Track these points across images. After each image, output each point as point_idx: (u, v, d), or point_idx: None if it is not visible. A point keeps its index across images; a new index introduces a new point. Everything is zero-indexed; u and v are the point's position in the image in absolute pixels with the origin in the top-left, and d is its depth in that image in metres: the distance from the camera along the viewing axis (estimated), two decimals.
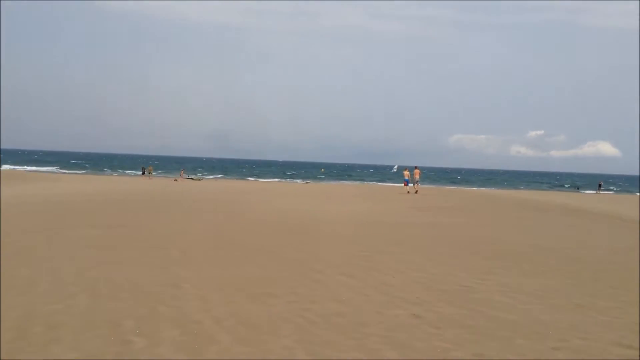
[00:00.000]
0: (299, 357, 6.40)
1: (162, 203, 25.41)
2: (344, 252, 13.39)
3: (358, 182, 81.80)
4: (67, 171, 77.84)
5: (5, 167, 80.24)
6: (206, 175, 74.78)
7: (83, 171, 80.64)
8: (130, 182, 47.86)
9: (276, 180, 79.14)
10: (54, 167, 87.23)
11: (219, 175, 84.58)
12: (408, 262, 12.30)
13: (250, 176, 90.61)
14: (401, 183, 48.61)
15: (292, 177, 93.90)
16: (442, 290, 9.86)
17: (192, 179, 62.58)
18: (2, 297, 8.42)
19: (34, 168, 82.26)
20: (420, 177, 44.01)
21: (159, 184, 47.20)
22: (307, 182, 69.77)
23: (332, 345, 6.84)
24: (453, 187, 72.42)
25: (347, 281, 10.34)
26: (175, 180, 56.95)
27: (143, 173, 62.23)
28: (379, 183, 77.65)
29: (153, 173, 65.84)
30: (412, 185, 43.15)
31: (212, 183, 55.10)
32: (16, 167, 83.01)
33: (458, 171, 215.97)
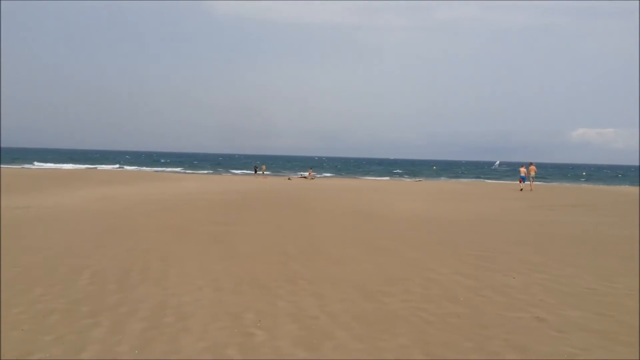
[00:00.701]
0: (416, 357, 6.35)
1: (279, 201, 26.21)
2: (460, 251, 13.08)
3: (469, 180, 79.33)
4: (191, 171, 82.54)
5: (137, 168, 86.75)
6: (316, 174, 76.05)
7: (205, 171, 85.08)
8: (247, 181, 49.81)
9: (387, 178, 78.78)
10: (180, 168, 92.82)
11: (329, 174, 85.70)
12: (529, 263, 11.77)
13: (362, 174, 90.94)
14: (514, 180, 46.49)
15: (401, 175, 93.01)
16: (567, 292, 9.34)
17: (304, 177, 63.98)
18: (139, 288, 9.13)
19: (162, 169, 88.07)
20: (535, 174, 41.89)
21: (273, 182, 48.73)
22: (418, 180, 68.80)
23: (450, 346, 6.72)
24: (577, 185, 68.12)
25: (464, 281, 10.09)
26: (289, 179, 58.48)
27: (255, 172, 64.43)
28: (487, 180, 74.75)
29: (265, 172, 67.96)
30: (528, 182, 41.22)
31: (325, 182, 55.95)
32: (144, 168, 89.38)
33: (582, 167, 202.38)
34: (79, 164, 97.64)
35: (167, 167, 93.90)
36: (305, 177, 63.46)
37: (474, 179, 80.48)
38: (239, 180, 52.11)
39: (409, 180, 71.38)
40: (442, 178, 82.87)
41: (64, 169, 70.16)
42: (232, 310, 8.06)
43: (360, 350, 6.53)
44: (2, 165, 69.78)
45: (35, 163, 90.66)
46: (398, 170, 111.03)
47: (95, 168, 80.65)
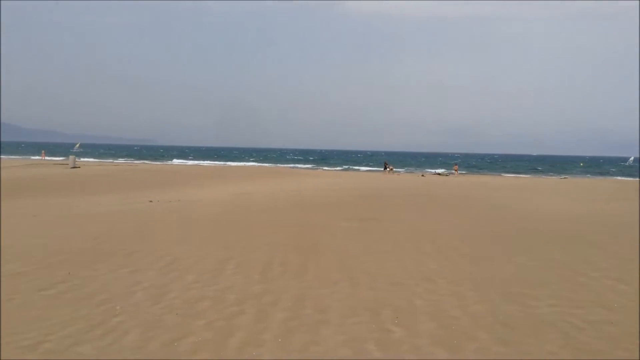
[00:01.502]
0: None
1: (412, 197, 25.93)
2: (614, 254, 12.06)
3: (616, 178, 72.80)
4: (325, 168, 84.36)
5: (273, 165, 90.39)
6: (454, 172, 73.95)
7: (340, 168, 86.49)
8: (376, 177, 49.83)
9: (528, 175, 74.79)
10: (311, 165, 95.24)
11: (464, 172, 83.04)
12: None
13: (501, 171, 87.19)
14: None
15: (543, 172, 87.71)
16: None
17: (438, 174, 62.76)
18: (280, 280, 9.49)
19: (294, 165, 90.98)
20: None
21: (405, 179, 48.27)
22: (564, 178, 64.55)
23: (604, 355, 6.23)
24: None
25: (617, 286, 9.29)
26: (422, 175, 57.65)
27: (385, 168, 64.07)
28: (627, 178, 67.91)
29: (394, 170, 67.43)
30: None
31: (463, 179, 54.41)
32: (280, 165, 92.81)
33: None
34: (217, 160, 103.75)
35: (298, 164, 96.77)
36: (439, 174, 62.22)
37: (625, 177, 73.92)
38: (367, 176, 52.27)
39: (554, 177, 67.22)
40: (588, 175, 77.09)
41: (203, 166, 74.76)
42: (368, 305, 8.10)
43: (505, 354, 6.25)
44: (154, 162, 76.08)
45: (175, 160, 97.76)
46: (539, 168, 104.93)
47: (223, 164, 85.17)
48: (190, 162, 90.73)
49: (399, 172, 68.30)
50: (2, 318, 7.22)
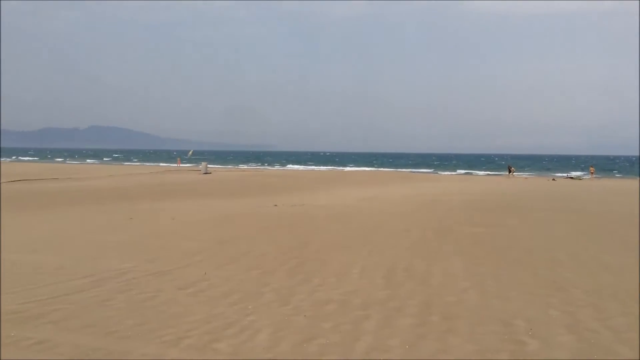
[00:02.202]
0: None
1: (539, 203, 24.59)
2: None
3: None
4: (446, 172, 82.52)
5: (393, 170, 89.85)
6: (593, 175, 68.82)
7: (461, 171, 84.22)
8: (499, 181, 47.85)
9: None
10: (431, 169, 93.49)
11: (599, 175, 77.14)
12: None
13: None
14: None
15: None
16: None
17: (571, 178, 58.97)
18: (405, 285, 9.42)
19: (412, 170, 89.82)
20: None
21: (533, 183, 45.88)
22: None
23: None
24: None
25: None
26: (552, 179, 54.49)
27: (509, 172, 61.14)
28: None
29: (515, 173, 64.04)
30: None
31: (596, 182, 50.75)
32: (400, 169, 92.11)
33: None
34: (335, 165, 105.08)
35: (415, 168, 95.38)
36: (572, 178, 58.46)
37: None
38: (488, 180, 50.35)
39: None
40: None
41: (322, 170, 75.96)
42: (499, 315, 7.79)
43: None
44: (273, 167, 78.71)
45: (289, 166, 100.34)
46: None
47: (336, 169, 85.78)
48: (309, 168, 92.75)
49: (524, 175, 65.11)
50: (149, 313, 7.82)
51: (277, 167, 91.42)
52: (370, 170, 79.09)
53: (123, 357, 6.24)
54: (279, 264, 11.03)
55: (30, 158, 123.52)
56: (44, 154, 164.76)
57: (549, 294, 8.86)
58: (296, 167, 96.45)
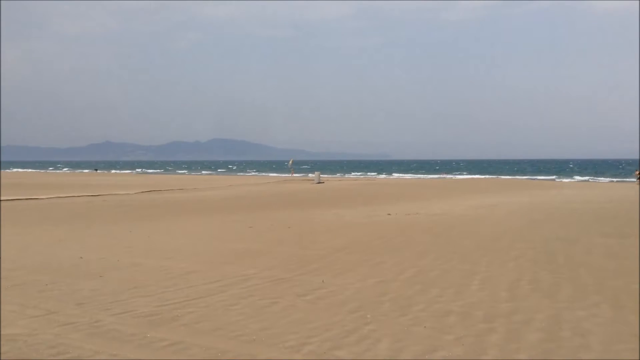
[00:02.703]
0: None
1: None
2: None
3: None
4: (567, 179, 77.87)
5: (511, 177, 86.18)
6: None
7: (581, 178, 79.08)
8: (632, 188, 44.26)
9: None
10: (554, 176, 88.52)
11: None
12: None
13: None
14: None
15: None
16: None
17: None
18: (530, 298, 9.00)
19: (530, 177, 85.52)
20: None
21: None
22: None
23: None
24: None
25: None
26: None
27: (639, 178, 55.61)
28: None
29: None
30: None
31: None
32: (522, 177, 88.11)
33: None
34: (436, 173, 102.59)
35: (533, 175, 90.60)
36: None
37: None
38: (614, 187, 46.68)
39: None
40: None
41: (434, 179, 74.42)
42: (637, 332, 7.21)
43: None
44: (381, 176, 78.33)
45: (395, 174, 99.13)
46: None
47: (444, 177, 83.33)
48: (421, 176, 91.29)
49: None
50: (271, 318, 8.08)
51: (391, 176, 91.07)
52: (486, 178, 76.49)
53: None
54: (396, 273, 10.97)
55: (155, 170, 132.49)
56: (167, 166, 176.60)
57: None
58: (409, 175, 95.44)
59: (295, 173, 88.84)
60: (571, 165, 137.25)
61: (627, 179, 67.12)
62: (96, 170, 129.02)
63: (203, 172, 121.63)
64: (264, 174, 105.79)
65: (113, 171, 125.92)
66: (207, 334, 7.42)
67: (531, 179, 75.75)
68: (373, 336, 7.27)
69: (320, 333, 7.40)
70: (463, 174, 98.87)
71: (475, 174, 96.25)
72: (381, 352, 6.70)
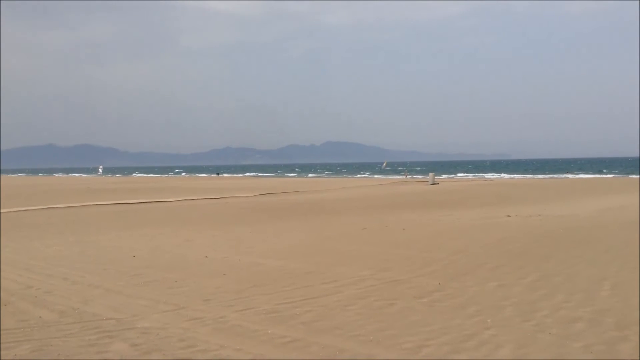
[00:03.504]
0: None
1: None
2: None
3: None
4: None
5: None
6: None
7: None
8: None
9: None
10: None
11: None
12: None
13: None
14: None
15: None
16: None
17: None
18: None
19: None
20: None
21: None
22: None
23: None
24: None
25: None
26: None
27: None
28: None
29: None
30: None
31: None
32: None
33: None
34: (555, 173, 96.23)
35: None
36: None
37: None
38: None
39: None
40: None
41: (554, 178, 70.24)
42: None
43: None
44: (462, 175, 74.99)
45: (502, 174, 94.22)
46: None
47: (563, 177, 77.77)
48: (540, 176, 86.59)
49: None
50: (388, 320, 8.08)
51: (507, 176, 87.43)
52: (609, 177, 71.21)
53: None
54: (518, 277, 10.54)
55: (268, 174, 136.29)
56: (279, 169, 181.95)
57: None
58: (522, 175, 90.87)
59: (408, 175, 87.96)
60: None
61: None
62: (218, 174, 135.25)
63: (314, 174, 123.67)
64: (376, 176, 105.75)
65: (224, 174, 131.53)
66: (325, 332, 7.58)
67: None
68: (494, 341, 7.05)
69: (438, 336, 7.30)
70: (582, 173, 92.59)
71: (595, 174, 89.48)
72: (503, 358, 6.48)
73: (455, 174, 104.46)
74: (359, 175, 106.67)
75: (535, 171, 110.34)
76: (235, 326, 7.96)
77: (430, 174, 54.12)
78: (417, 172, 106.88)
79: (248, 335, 7.53)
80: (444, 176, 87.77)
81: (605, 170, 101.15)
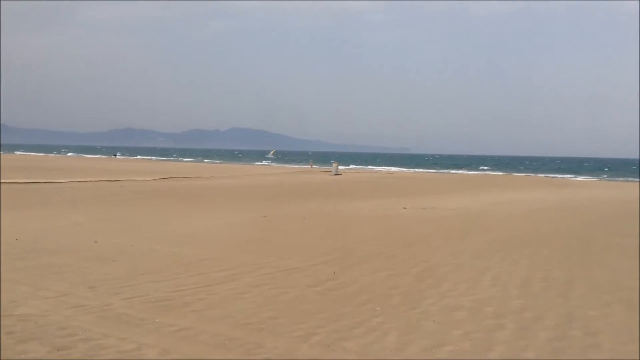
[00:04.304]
0: None
1: None
2: None
3: None
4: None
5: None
6: None
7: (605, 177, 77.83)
8: None
9: None
10: (572, 175, 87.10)
11: None
12: None
13: None
14: None
15: None
16: None
17: None
18: (542, 296, 8.93)
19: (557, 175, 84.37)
20: None
21: None
22: None
23: None
24: None
25: None
26: None
27: None
28: None
29: None
30: None
31: None
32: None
33: None
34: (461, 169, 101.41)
35: (560, 174, 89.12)
36: None
37: None
38: (633, 186, 45.89)
39: None
40: None
41: (453, 173, 73.79)
42: None
43: None
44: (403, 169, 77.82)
45: (412, 169, 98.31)
46: None
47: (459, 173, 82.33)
48: (441, 170, 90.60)
49: None
50: (280, 308, 8.11)
51: (411, 170, 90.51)
52: (508, 175, 75.72)
53: (256, 349, 6.53)
54: (408, 267, 10.94)
55: (170, 158, 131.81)
56: (186, 154, 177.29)
57: None
58: (428, 170, 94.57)
59: (269, 162, 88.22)
60: (585, 164, 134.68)
61: None
62: (115, 155, 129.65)
63: (217, 160, 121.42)
64: (280, 164, 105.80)
65: (117, 155, 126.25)
66: (216, 321, 7.48)
67: (557, 177, 74.61)
68: (381, 328, 7.27)
69: (328, 324, 7.42)
70: (485, 169, 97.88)
71: (497, 171, 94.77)
72: (388, 345, 6.70)
73: (362, 165, 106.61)
74: (257, 163, 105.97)
75: (434, 166, 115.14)
76: (122, 314, 7.67)
77: (334, 164, 54.72)
78: (321, 163, 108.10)
79: (134, 324, 7.29)
80: (352, 166, 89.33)
81: (521, 167, 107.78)
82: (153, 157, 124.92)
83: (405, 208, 22.01)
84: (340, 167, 58.09)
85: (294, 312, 7.95)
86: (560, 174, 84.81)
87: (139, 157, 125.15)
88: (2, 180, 28.68)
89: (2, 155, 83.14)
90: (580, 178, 71.03)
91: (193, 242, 13.43)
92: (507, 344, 6.72)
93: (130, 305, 8.08)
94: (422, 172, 78.58)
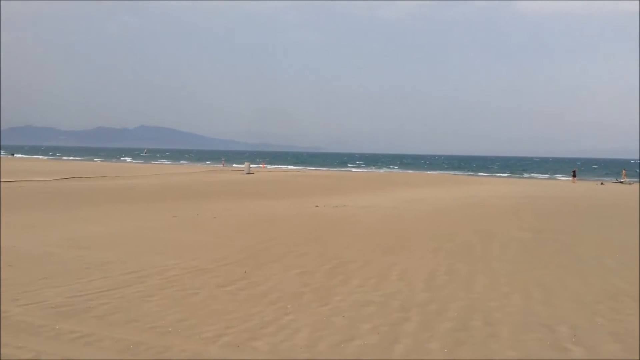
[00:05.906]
0: None
1: (591, 208, 23.90)
2: None
3: None
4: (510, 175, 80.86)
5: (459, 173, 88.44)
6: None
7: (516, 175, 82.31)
8: (559, 186, 46.62)
9: None
10: (507, 173, 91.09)
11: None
12: None
13: None
14: None
15: None
16: None
17: (621, 182, 56.84)
18: (446, 289, 9.29)
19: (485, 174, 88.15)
20: None
21: (584, 187, 44.52)
22: None
23: None
24: None
25: None
26: (601, 184, 52.67)
27: (574, 176, 58.27)
28: None
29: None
30: None
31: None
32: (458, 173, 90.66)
33: None
34: (374, 167, 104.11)
35: (469, 172, 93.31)
36: (622, 182, 56.43)
37: None
38: (544, 184, 49.07)
39: None
40: None
41: (365, 172, 75.58)
42: (543, 321, 7.60)
43: None
44: (323, 168, 78.68)
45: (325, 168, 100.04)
46: None
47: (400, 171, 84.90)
48: (356, 169, 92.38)
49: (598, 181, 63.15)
50: (189, 310, 7.93)
51: (323, 169, 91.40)
52: (421, 173, 78.24)
53: (163, 352, 6.35)
54: (319, 265, 11.04)
55: (72, 157, 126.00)
56: (92, 152, 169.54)
57: (596, 301, 8.59)
58: (340, 168, 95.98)
59: (147, 160, 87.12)
60: (497, 163, 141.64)
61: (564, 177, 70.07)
62: (13, 155, 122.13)
63: (127, 159, 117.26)
64: (190, 163, 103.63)
65: (18, 155, 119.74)
66: (120, 325, 7.20)
67: (469, 175, 77.80)
68: (292, 326, 7.28)
69: (238, 324, 7.34)
70: (395, 167, 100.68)
71: (418, 169, 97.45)
72: (299, 342, 6.73)
73: (276, 164, 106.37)
74: (155, 162, 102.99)
75: (354, 163, 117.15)
76: (19, 322, 7.23)
77: (246, 163, 54.31)
78: (233, 161, 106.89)
79: (33, 332, 6.89)
80: (270, 167, 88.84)
81: (446, 166, 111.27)
82: (63, 157, 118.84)
83: (317, 206, 22.21)
84: (252, 165, 57.77)
85: (203, 313, 7.81)
86: (475, 172, 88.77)
87: (50, 157, 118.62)
88: None
89: None
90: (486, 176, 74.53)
91: (96, 244, 12.85)
92: (413, 336, 6.94)
93: (29, 312, 7.62)
94: (337, 171, 79.65)
